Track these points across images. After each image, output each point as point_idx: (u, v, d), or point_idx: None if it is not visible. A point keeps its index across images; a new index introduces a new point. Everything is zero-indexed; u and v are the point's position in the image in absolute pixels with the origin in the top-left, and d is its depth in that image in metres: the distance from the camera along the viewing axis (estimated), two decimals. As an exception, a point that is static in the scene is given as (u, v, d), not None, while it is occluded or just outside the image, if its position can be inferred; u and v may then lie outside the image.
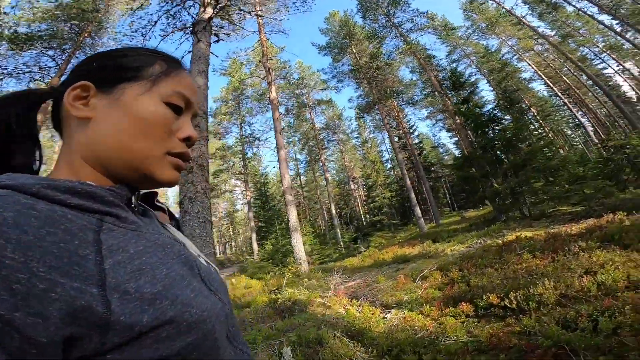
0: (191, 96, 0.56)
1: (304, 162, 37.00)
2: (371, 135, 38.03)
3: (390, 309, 6.05)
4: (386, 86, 23.03)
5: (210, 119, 25.19)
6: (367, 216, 36.88)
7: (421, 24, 22.45)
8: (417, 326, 4.79)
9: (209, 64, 7.34)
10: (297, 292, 7.78)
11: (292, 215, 12.97)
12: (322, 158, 28.85)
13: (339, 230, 26.49)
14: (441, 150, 47.32)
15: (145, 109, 0.48)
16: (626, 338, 2.33)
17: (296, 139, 34.34)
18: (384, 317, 5.57)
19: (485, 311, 4.46)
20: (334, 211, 27.42)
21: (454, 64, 28.99)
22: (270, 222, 25.13)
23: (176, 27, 7.78)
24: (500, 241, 9.57)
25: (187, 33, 7.51)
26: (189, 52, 7.01)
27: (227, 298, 0.53)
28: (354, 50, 23.92)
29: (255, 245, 23.61)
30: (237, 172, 25.79)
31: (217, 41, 7.75)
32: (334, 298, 6.80)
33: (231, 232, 39.72)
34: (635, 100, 34.20)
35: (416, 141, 36.68)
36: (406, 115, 33.63)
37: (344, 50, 24.71)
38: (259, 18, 14.76)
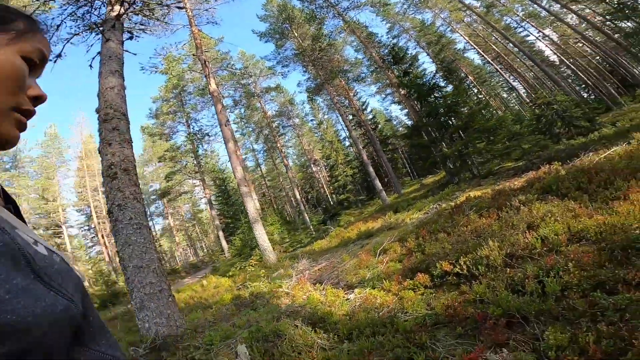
0: (47, 55, 0.53)
1: (262, 152, 36.07)
2: (326, 116, 37.66)
3: (353, 288, 5.90)
4: (332, 67, 22.64)
5: (152, 120, 23.51)
6: (334, 196, 37.00)
7: (357, 1, 22.02)
8: (379, 304, 4.65)
9: (122, 63, 6.63)
10: (261, 284, 7.44)
11: (250, 206, 12.48)
12: (279, 145, 28.11)
13: (306, 215, 26.29)
14: (395, 122, 48.08)
15: (2, 58, 0.45)
16: (575, 300, 2.21)
17: (250, 129, 33.29)
18: (347, 299, 5.40)
19: (441, 280, 4.37)
20: (298, 196, 27.08)
21: (395, 40, 29.31)
22: (235, 217, 24.35)
23: (85, 27, 6.90)
24: (452, 203, 9.77)
25: (98, 33, 6.70)
26: (100, 53, 6.23)
27: (81, 294, 0.46)
28: (296, 34, 23.09)
29: (224, 243, 22.77)
30: (191, 172, 24.41)
31: (131, 38, 6.99)
32: (297, 285, 6.54)
33: (198, 233, 38.12)
34: (558, 63, 36.40)
35: (370, 117, 36.99)
36: (357, 93, 33.65)
37: (285, 35, 23.76)
38: (188, 10, 13.61)
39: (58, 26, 6.98)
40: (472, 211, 6.24)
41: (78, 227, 33.04)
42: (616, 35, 21.87)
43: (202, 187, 24.56)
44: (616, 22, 22.90)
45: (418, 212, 11.63)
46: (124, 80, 6.49)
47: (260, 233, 12.53)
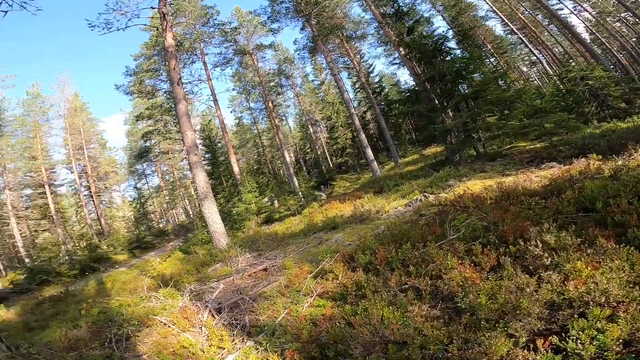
0: None
1: (258, 110, 33.29)
2: (329, 77, 34.09)
3: (249, 338, 3.64)
4: (332, 24, 19.20)
5: (130, 78, 20.64)
6: (333, 159, 34.66)
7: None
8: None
9: None
10: (139, 305, 5.16)
11: (200, 179, 10.18)
12: (270, 105, 25.19)
13: (295, 179, 23.87)
14: (404, 86, 43.78)
15: None
16: None
17: (248, 88, 30.34)
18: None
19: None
20: (287, 159, 24.57)
21: (408, -1, 25.14)
22: (219, 179, 22.24)
23: None
24: (444, 195, 7.23)
25: None
26: None
27: None
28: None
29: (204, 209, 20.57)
30: (172, 131, 21.94)
31: None
32: (180, 315, 4.26)
33: (184, 197, 35.47)
34: (589, 41, 31.44)
35: (377, 79, 33.40)
36: (363, 55, 30.17)
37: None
38: None
39: None
40: (459, 236, 3.72)
41: (68, 186, 31.19)
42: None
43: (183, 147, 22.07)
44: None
45: (400, 200, 9.11)
46: None
47: (211, 212, 10.31)
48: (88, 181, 29.30)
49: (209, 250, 10.07)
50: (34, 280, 17.53)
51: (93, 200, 28.63)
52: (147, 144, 25.14)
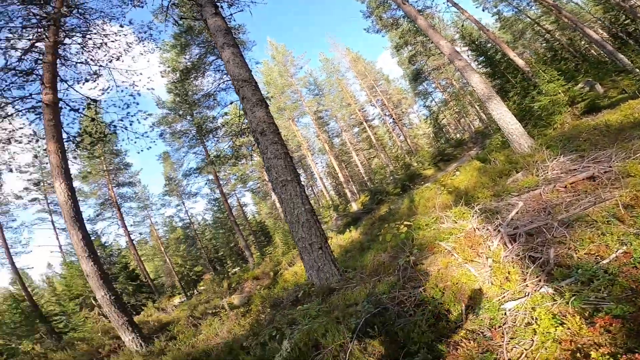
0: None
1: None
2: None
3: (545, 282, 2.77)
4: None
5: (369, 19, 20.36)
6: None
7: None
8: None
9: (228, 33, 6.64)
10: (425, 228, 5.09)
11: (475, 81, 8.94)
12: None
13: (621, 55, 16.84)
14: None
15: None
16: None
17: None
18: (502, 309, 2.63)
19: None
20: (596, 36, 17.25)
21: None
22: (504, 77, 18.72)
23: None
24: None
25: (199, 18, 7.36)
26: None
27: None
28: None
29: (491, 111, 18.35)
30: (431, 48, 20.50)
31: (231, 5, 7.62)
32: (465, 242, 3.87)
33: (472, 104, 32.13)
34: None
35: None
36: None
37: None
38: None
39: None
40: None
41: (378, 118, 38.04)
42: None
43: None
44: None
45: None
46: (235, 47, 6.51)
47: (500, 112, 8.88)
48: (389, 111, 34.52)
49: (507, 157, 8.85)
50: (374, 200, 23.12)
51: (398, 125, 33.70)
52: (416, 66, 25.68)
